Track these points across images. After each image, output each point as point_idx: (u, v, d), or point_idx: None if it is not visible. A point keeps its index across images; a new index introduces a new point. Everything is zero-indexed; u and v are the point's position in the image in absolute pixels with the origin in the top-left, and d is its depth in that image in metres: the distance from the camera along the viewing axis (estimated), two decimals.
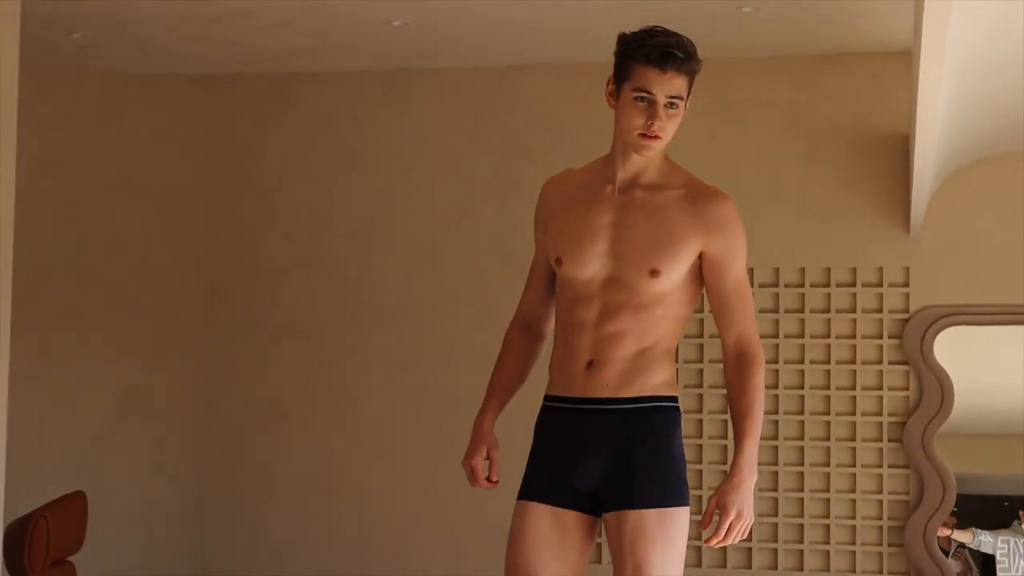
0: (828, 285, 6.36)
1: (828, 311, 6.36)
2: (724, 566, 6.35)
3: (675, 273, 3.20)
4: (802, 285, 6.39)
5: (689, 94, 3.21)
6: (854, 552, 6.26)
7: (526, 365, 3.42)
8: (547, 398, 3.31)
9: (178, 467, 6.85)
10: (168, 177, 6.96)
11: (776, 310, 6.39)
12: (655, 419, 3.21)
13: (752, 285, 6.13)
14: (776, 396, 6.30)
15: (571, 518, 3.22)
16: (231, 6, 5.68)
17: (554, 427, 3.27)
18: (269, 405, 6.78)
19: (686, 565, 2.98)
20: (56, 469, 6.53)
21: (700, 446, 6.38)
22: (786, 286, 6.40)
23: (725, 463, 6.33)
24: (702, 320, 6.19)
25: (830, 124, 6.37)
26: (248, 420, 6.82)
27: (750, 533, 6.10)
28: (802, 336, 6.37)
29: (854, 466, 6.28)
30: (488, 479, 3.36)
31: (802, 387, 6.34)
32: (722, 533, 3.15)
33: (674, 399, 3.25)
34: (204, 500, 6.82)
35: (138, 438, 6.82)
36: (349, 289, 6.75)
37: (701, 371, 6.43)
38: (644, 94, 3.15)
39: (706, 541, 3.23)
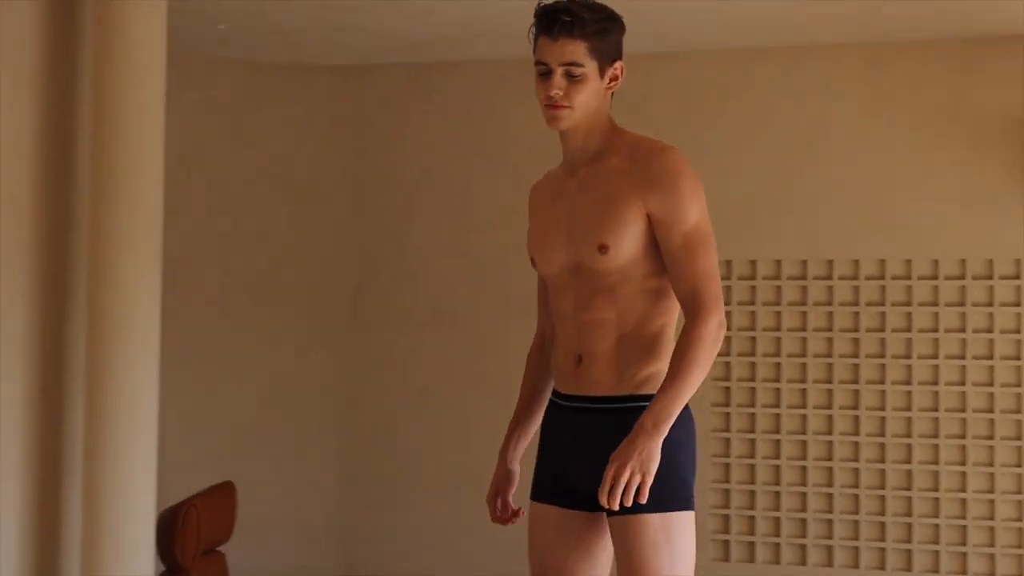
0: (991, 278, 6.10)
1: (991, 304, 6.10)
2: (856, 566, 6.17)
3: (626, 244, 3.02)
4: (963, 277, 6.14)
5: (603, 61, 3.05)
6: (992, 555, 6.01)
7: (541, 394, 3.36)
8: (552, 394, 3.27)
9: (325, 456, 6.87)
10: (311, 168, 6.97)
11: (935, 303, 6.15)
12: (626, 417, 3.03)
13: (910, 277, 6.03)
14: (937, 393, 6.09)
15: (579, 518, 3.13)
16: None
17: (554, 425, 3.19)
18: (414, 394, 6.77)
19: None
20: (205, 459, 6.57)
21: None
22: (946, 278, 6.15)
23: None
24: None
25: (991, 109, 6.10)
26: (393, 409, 6.82)
27: (884, 533, 6.02)
28: (963, 331, 6.14)
29: (991, 465, 6.04)
30: (506, 514, 3.35)
31: (963, 384, 6.12)
32: (606, 488, 2.87)
33: None
34: (350, 489, 6.83)
35: (285, 428, 6.85)
36: (490, 279, 6.70)
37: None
38: (542, 65, 3.06)
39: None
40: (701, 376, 2.92)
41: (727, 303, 6.28)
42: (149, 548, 4.86)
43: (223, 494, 5.36)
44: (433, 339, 6.77)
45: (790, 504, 6.21)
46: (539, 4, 3.11)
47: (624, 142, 3.10)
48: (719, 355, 6.18)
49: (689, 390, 2.91)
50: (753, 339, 6.31)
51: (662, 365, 3.02)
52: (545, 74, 3.06)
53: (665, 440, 2.90)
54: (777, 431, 6.23)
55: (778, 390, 6.24)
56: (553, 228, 3.15)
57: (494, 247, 6.70)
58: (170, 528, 4.99)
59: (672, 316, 3.08)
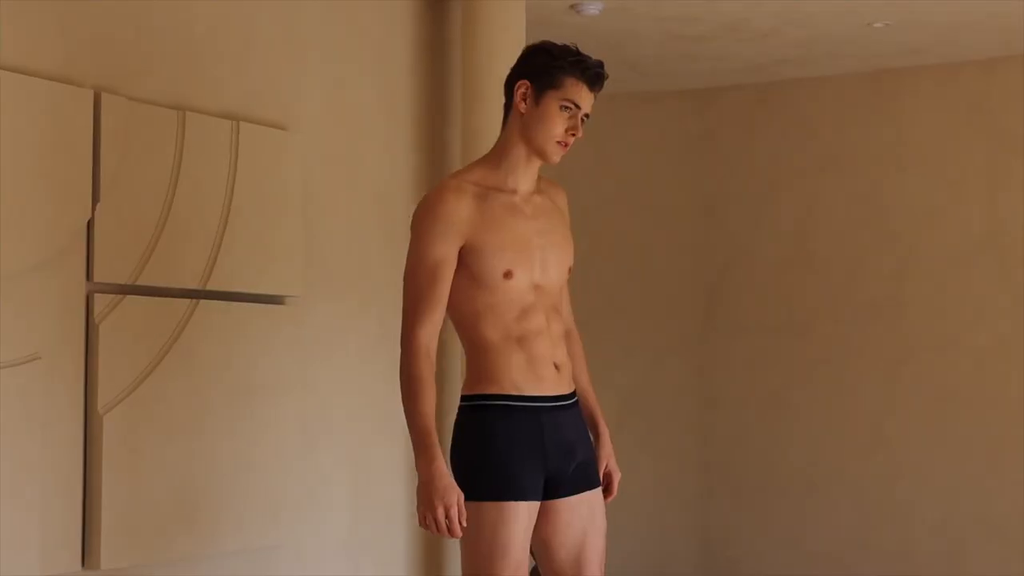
0: None
1: None
2: None
3: None
4: None
5: None
6: None
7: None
8: (508, 398, 3.26)
9: (683, 458, 7.11)
10: (663, 188, 7.25)
11: None
12: (580, 408, 3.44)
13: None
14: None
15: (535, 508, 3.29)
16: (719, 22, 5.87)
17: (542, 425, 3.27)
18: (767, 399, 6.93)
19: None
20: None
21: None
22: None
23: None
24: None
25: None
26: (747, 413, 6.99)
27: None
28: None
29: None
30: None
31: None
32: (616, 484, 3.50)
33: None
34: (709, 488, 7.05)
35: (643, 432, 7.13)
36: (838, 287, 6.80)
37: None
38: (574, 106, 3.25)
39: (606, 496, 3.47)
40: None
41: None
42: None
43: None
44: (784, 346, 6.91)
45: None
46: (563, 47, 3.31)
47: (541, 183, 3.43)
48: None
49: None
50: None
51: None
52: (568, 111, 3.27)
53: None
54: None
55: None
56: (526, 247, 3.29)
57: (840, 256, 6.81)
58: None
59: None
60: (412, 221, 3.28)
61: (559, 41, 3.34)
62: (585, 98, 3.28)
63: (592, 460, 3.42)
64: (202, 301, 4.37)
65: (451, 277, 3.24)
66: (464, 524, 3.13)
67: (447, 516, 3.10)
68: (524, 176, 3.34)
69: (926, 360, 6.57)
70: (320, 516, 4.88)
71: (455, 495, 3.11)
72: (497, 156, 3.35)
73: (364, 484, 5.09)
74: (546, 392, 3.29)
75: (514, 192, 3.33)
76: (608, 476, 3.49)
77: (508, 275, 3.25)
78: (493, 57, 5.22)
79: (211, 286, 4.41)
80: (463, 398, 3.33)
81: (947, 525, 6.46)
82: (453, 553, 5.34)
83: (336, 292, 5.00)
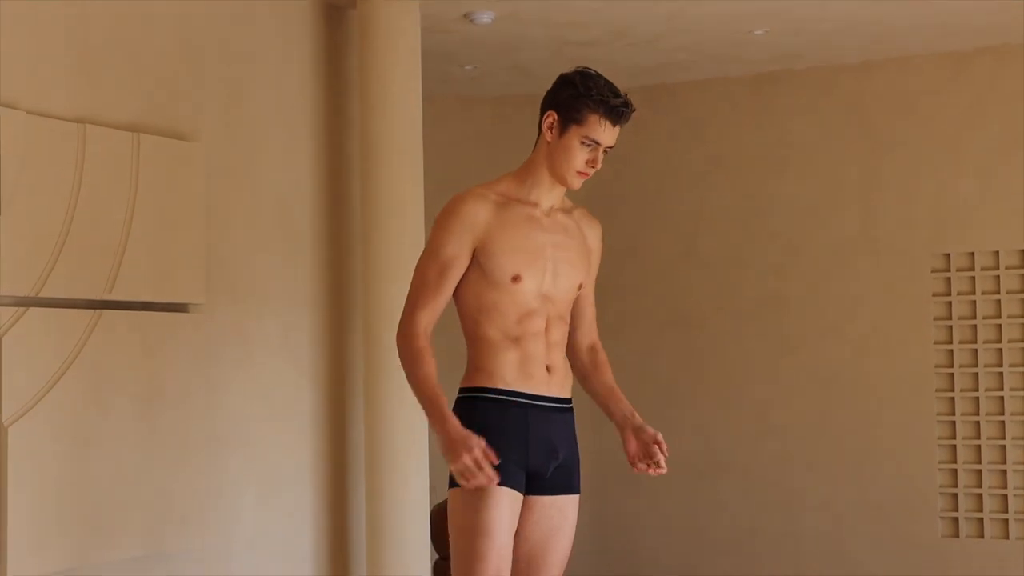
0: None
1: None
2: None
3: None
4: None
5: None
6: None
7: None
8: (499, 392, 3.35)
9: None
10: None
11: None
12: (573, 417, 3.52)
13: None
14: None
15: (519, 501, 3.35)
16: (607, 28, 5.88)
17: (528, 422, 3.36)
18: (658, 390, 6.97)
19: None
20: None
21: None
22: None
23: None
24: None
25: None
26: (639, 405, 6.94)
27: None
28: None
29: None
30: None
31: None
32: (665, 456, 3.51)
33: None
34: (603, 476, 7.05)
35: None
36: (725, 282, 6.87)
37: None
38: (593, 143, 3.36)
39: (654, 470, 3.55)
40: None
41: (947, 294, 6.37)
42: (424, 541, 5.22)
43: None
44: (673, 339, 6.96)
45: (1017, 482, 6.21)
46: (592, 81, 3.37)
47: (567, 202, 3.52)
48: (941, 343, 6.34)
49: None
50: (974, 327, 6.33)
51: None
52: (590, 146, 3.37)
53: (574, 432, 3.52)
54: (1001, 413, 6.24)
55: (1000, 374, 6.24)
56: (539, 256, 3.37)
57: (726, 252, 6.87)
58: (440, 521, 5.32)
59: None
60: (436, 218, 3.39)
61: (590, 69, 3.40)
62: (607, 134, 3.36)
63: (575, 467, 3.50)
64: (106, 311, 4.29)
65: (459, 275, 3.35)
66: (493, 460, 3.17)
67: (475, 461, 3.15)
68: (548, 193, 3.43)
69: (808, 350, 6.66)
70: (228, 519, 4.82)
71: (473, 439, 3.17)
72: (524, 173, 3.45)
73: (271, 487, 5.03)
74: (535, 391, 3.38)
75: (535, 205, 3.42)
76: (650, 436, 3.54)
77: (516, 279, 3.34)
78: (389, 64, 5.19)
79: (114, 296, 4.33)
80: (460, 390, 3.41)
81: (830, 506, 6.55)
82: (359, 552, 5.30)
83: (239, 299, 4.93)
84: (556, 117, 3.37)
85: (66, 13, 4.29)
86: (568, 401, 3.48)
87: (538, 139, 3.44)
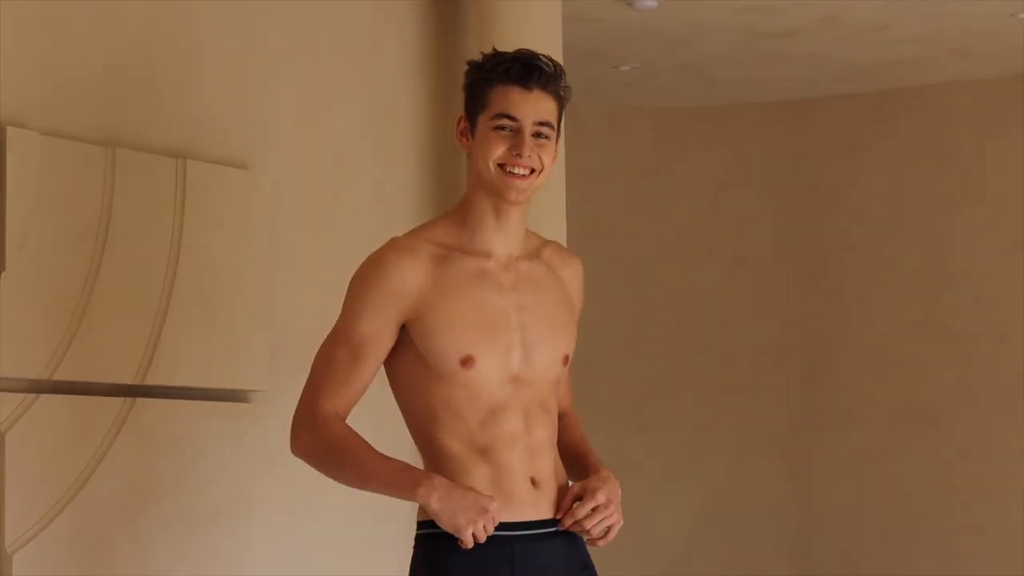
0: None
1: None
2: None
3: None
4: None
5: (559, 130, 3.22)
6: None
7: None
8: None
9: None
10: (740, 232, 7.24)
11: None
12: (581, 543, 3.35)
13: None
14: None
15: None
16: (810, 15, 5.88)
17: (500, 560, 3.21)
18: (887, 508, 6.89)
19: None
20: None
21: None
22: None
23: None
24: None
25: None
26: (861, 526, 6.96)
27: None
28: None
29: None
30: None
31: None
32: (582, 512, 3.24)
33: None
34: None
35: (723, 557, 7.09)
36: (980, 364, 6.77)
37: None
38: (507, 120, 3.19)
39: (562, 520, 3.27)
40: None
41: None
42: None
43: None
44: (909, 439, 6.89)
45: None
46: (486, 55, 3.29)
47: (534, 236, 3.41)
48: None
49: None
50: None
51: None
52: (507, 130, 3.21)
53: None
54: None
55: None
56: (499, 326, 3.26)
57: (983, 321, 6.79)
58: None
59: None
60: (350, 282, 3.31)
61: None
62: (522, 104, 3.22)
63: None
64: (139, 400, 4.35)
65: (378, 361, 3.28)
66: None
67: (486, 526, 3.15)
68: (498, 235, 3.31)
69: None
70: None
71: (482, 499, 3.15)
72: (460, 211, 3.35)
73: None
74: (519, 517, 3.24)
75: (487, 256, 3.31)
76: (590, 493, 3.30)
77: (467, 362, 3.23)
78: None
79: (150, 380, 4.38)
80: (418, 525, 3.30)
81: None
82: None
83: None
84: (463, 119, 3.30)
85: (92, 11, 4.39)
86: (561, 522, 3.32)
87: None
